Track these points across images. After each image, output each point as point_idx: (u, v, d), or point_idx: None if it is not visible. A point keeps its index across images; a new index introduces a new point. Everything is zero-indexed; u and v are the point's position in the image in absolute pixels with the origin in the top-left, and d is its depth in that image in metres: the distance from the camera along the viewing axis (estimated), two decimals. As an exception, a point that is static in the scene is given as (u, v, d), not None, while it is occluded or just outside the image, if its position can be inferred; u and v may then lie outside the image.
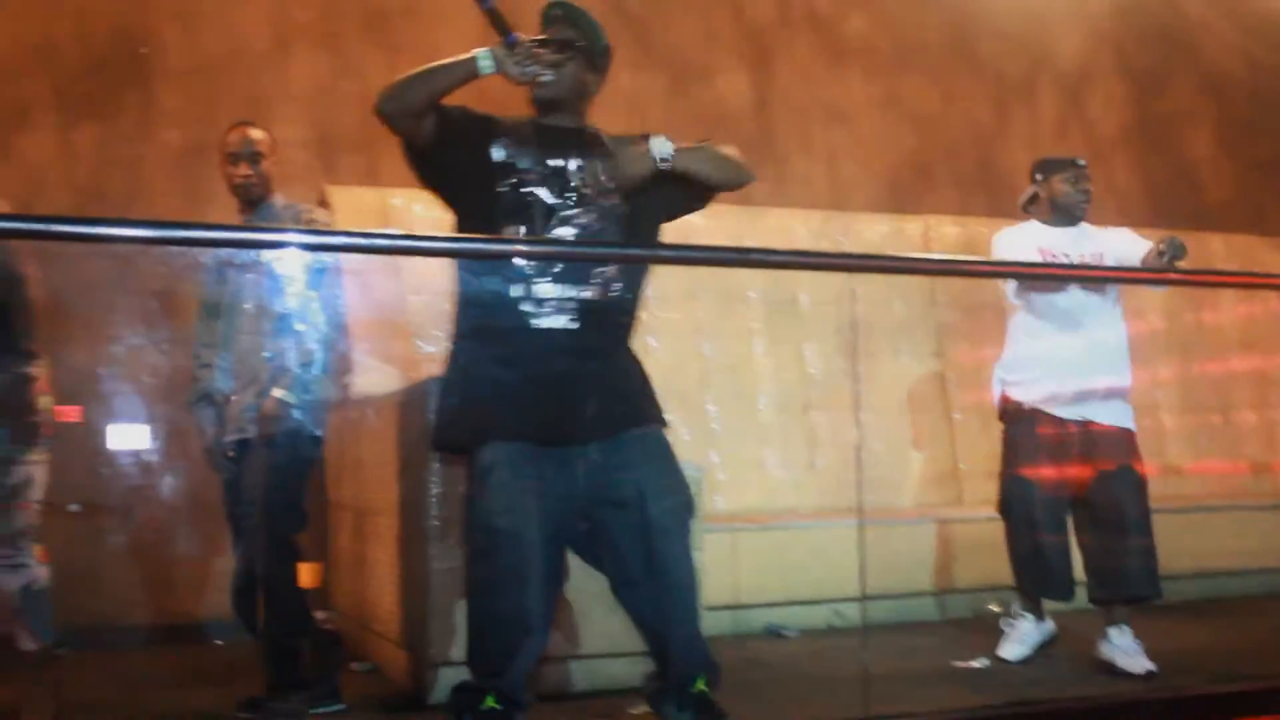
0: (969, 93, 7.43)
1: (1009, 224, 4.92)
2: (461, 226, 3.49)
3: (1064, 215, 4.75)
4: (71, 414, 3.93)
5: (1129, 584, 4.50)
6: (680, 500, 3.36)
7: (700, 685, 3.30)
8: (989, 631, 4.84)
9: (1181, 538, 5.36)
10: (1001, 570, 4.78)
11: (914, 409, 6.46)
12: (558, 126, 3.52)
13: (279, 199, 4.20)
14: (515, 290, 3.32)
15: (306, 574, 4.39)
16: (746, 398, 6.16)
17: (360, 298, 5.15)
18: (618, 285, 3.41)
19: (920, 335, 6.57)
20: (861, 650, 4.24)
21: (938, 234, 6.70)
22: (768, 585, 5.33)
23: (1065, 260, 4.67)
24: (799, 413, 6.21)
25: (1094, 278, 4.67)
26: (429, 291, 5.67)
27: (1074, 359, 4.62)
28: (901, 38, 7.31)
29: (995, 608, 5.34)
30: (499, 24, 3.25)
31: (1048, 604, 4.73)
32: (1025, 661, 4.64)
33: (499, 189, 3.40)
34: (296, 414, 4.05)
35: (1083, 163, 4.80)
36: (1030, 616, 4.71)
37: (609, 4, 6.60)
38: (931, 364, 6.54)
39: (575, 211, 3.40)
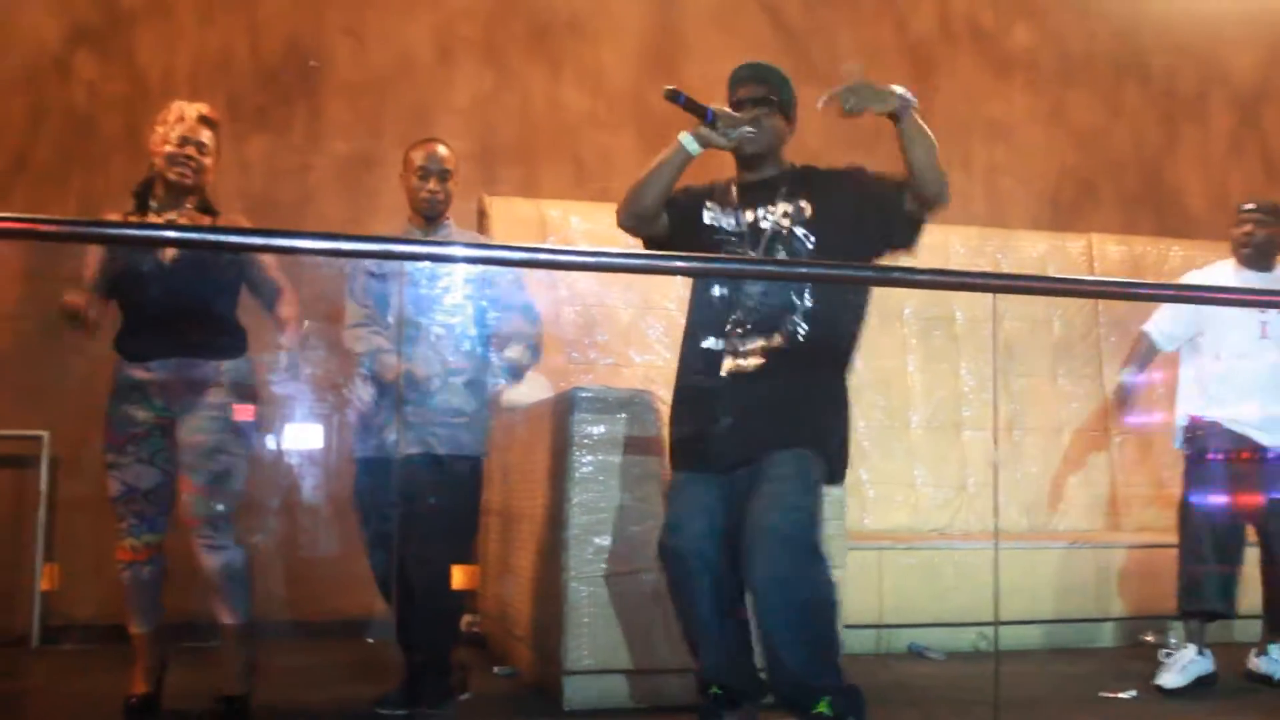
0: (1137, 108, 7.25)
1: (1176, 244, 4.97)
2: (693, 288, 3.71)
3: (1240, 257, 4.85)
4: (247, 413, 4.06)
5: None
6: (779, 521, 3.33)
7: (822, 707, 3.31)
8: (1142, 662, 4.72)
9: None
10: (1157, 599, 4.68)
11: (1072, 432, 6.32)
12: (758, 180, 3.69)
13: (452, 222, 4.35)
14: (711, 338, 3.56)
15: (462, 577, 4.50)
16: (898, 415, 6.11)
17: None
18: (808, 329, 3.51)
19: (1081, 356, 6.43)
20: (995, 674, 4.15)
21: (1101, 253, 6.55)
22: (913, 605, 5.28)
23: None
24: (952, 432, 6.13)
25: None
26: (581, 304, 5.76)
27: (1262, 383, 4.67)
28: (1067, 51, 7.17)
29: (1150, 637, 5.22)
30: (695, 108, 3.46)
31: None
32: (1179, 691, 4.50)
33: (708, 250, 3.62)
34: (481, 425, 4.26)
35: (1247, 207, 4.86)
36: (1192, 646, 4.59)
37: (771, 20, 6.64)
38: (1092, 386, 6.39)
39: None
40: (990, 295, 5.77)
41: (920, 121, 3.45)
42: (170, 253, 3.95)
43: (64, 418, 5.42)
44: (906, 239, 3.59)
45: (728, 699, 3.55)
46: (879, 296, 6.05)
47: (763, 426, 3.46)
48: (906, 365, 6.18)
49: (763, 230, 3.61)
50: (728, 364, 3.52)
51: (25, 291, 5.61)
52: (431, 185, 4.20)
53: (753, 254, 3.57)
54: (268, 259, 4.08)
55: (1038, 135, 7.05)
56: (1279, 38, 7.56)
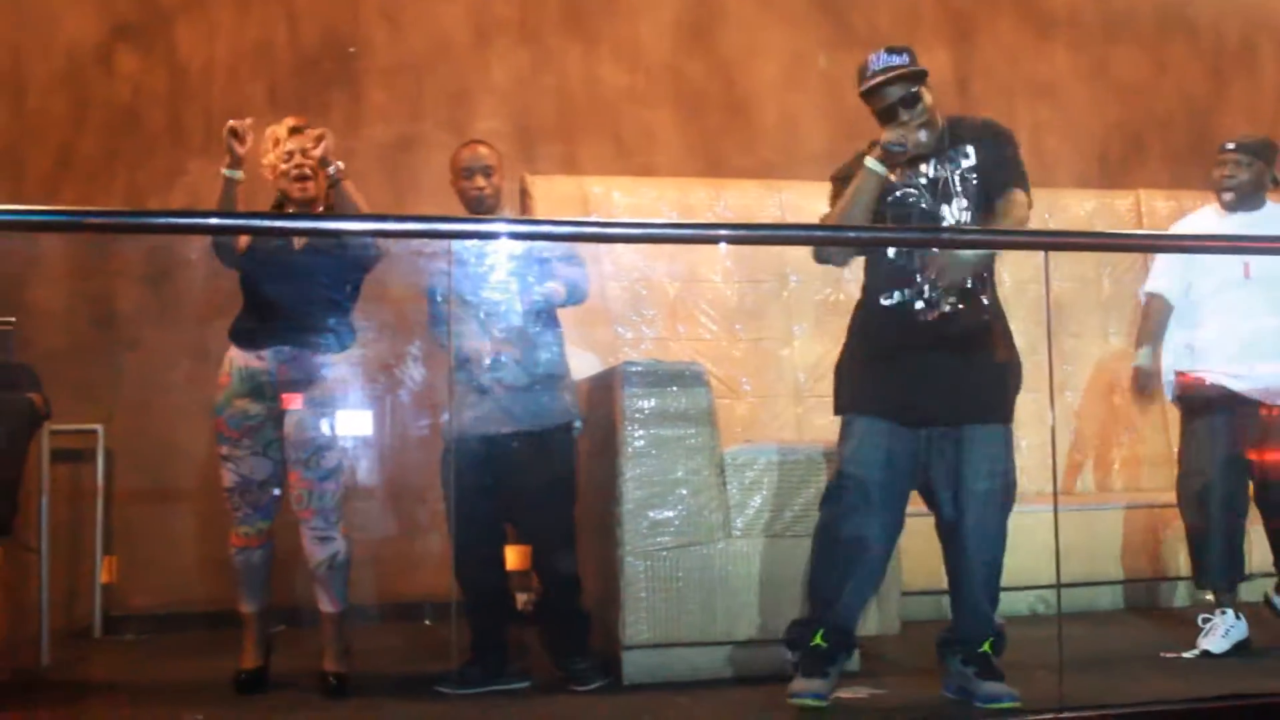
0: (1182, 61, 7.14)
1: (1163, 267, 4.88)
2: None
3: (1221, 200, 4.73)
4: (295, 400, 4.14)
5: None
6: (996, 487, 3.79)
7: (987, 647, 3.80)
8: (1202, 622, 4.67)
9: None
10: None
11: (1125, 391, 6.24)
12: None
13: (507, 211, 4.51)
14: (897, 293, 3.82)
15: (518, 555, 4.54)
16: (949, 380, 6.05)
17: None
18: (988, 283, 3.85)
19: (1132, 315, 6.34)
20: (1055, 637, 4.14)
21: (1149, 209, 6.46)
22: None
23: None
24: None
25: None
26: (626, 279, 5.75)
27: (1246, 327, 4.55)
28: (1110, 6, 7.07)
29: (1210, 596, 5.16)
30: (890, 153, 3.73)
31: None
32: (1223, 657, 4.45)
33: (882, 213, 3.83)
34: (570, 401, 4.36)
35: (1227, 146, 4.74)
36: (1230, 611, 4.53)
37: (808, -15, 6.59)
38: (1144, 344, 6.30)
39: (945, 209, 3.83)
40: (1040, 255, 5.70)
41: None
42: (300, 242, 4.17)
43: (117, 411, 5.48)
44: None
45: (831, 653, 3.76)
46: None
47: (964, 394, 3.76)
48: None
49: (936, 179, 3.84)
50: (923, 313, 3.77)
51: (77, 287, 5.66)
52: (477, 183, 4.33)
53: (933, 203, 3.82)
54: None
55: (1082, 93, 6.96)
56: (1325, -16, 7.44)
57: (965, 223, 3.80)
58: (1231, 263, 4.60)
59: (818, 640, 3.75)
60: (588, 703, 4.04)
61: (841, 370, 3.97)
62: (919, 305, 3.78)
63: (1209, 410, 4.56)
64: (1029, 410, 5.98)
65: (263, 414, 4.14)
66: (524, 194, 5.72)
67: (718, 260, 5.83)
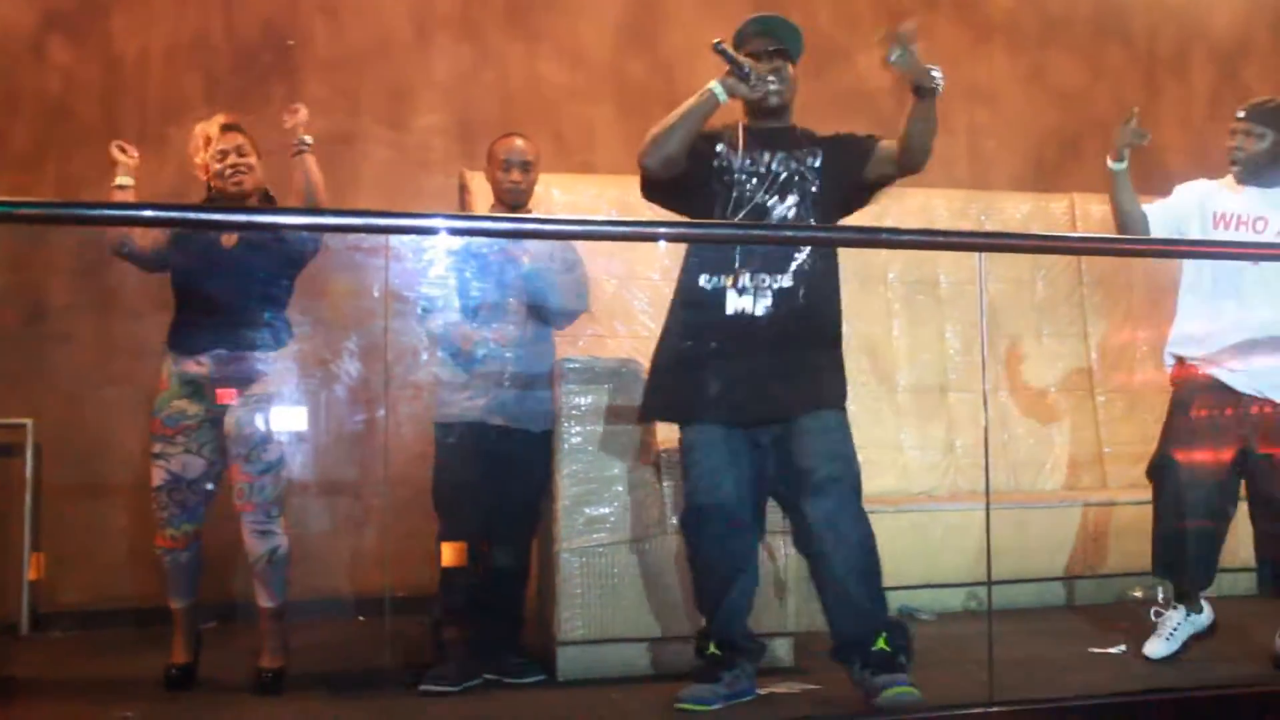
0: (1118, 67, 7.24)
1: (1160, 200, 4.67)
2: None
3: (1235, 171, 4.39)
4: (229, 396, 4.12)
5: None
6: (840, 471, 3.66)
7: (881, 644, 3.63)
8: (1130, 618, 4.74)
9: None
10: (1145, 555, 4.61)
11: (1058, 390, 6.33)
12: (772, 128, 3.87)
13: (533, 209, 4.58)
14: (715, 278, 3.71)
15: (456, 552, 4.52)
16: (885, 379, 6.11)
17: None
18: (811, 274, 3.73)
19: (1065, 315, 6.43)
20: (986, 634, 4.17)
21: (1083, 212, 6.54)
22: (904, 567, 5.27)
23: (1231, 220, 4.34)
24: (938, 394, 6.13)
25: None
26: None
27: (1251, 329, 4.28)
28: (1047, 12, 7.16)
29: (1139, 593, 5.23)
30: (732, 60, 3.64)
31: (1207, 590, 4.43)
32: (1173, 658, 4.34)
33: (715, 189, 3.78)
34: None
35: (1239, 114, 4.38)
36: (1181, 608, 4.36)
37: (747, -16, 6.61)
38: (1077, 344, 6.40)
39: (775, 202, 3.76)
40: (975, 257, 5.76)
41: (933, 105, 3.64)
42: (230, 240, 4.15)
43: (47, 406, 5.41)
44: (868, 198, 3.95)
45: (726, 659, 3.76)
46: (864, 260, 6.10)
47: (793, 386, 3.67)
48: (891, 329, 6.18)
49: (777, 174, 3.78)
50: (733, 302, 3.67)
51: (7, 280, 5.58)
52: (514, 176, 4.40)
53: (765, 196, 3.75)
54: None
55: (1019, 97, 7.04)
56: (1257, -7, 7.56)
57: (789, 219, 3.76)
58: (1238, 237, 4.32)
59: (711, 649, 3.79)
60: (523, 698, 4.04)
61: (659, 366, 3.87)
62: (740, 294, 3.68)
63: (1201, 402, 4.32)
64: (964, 410, 6.10)
65: (201, 414, 4.12)
66: (463, 190, 5.70)
67: (656, 258, 5.83)
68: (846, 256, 6.02)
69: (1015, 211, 6.48)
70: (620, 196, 5.85)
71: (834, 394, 3.76)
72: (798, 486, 3.67)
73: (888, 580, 5.23)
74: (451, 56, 6.24)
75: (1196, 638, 4.40)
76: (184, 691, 4.11)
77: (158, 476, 4.13)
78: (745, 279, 3.67)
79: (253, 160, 4.23)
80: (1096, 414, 6.27)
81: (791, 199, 3.77)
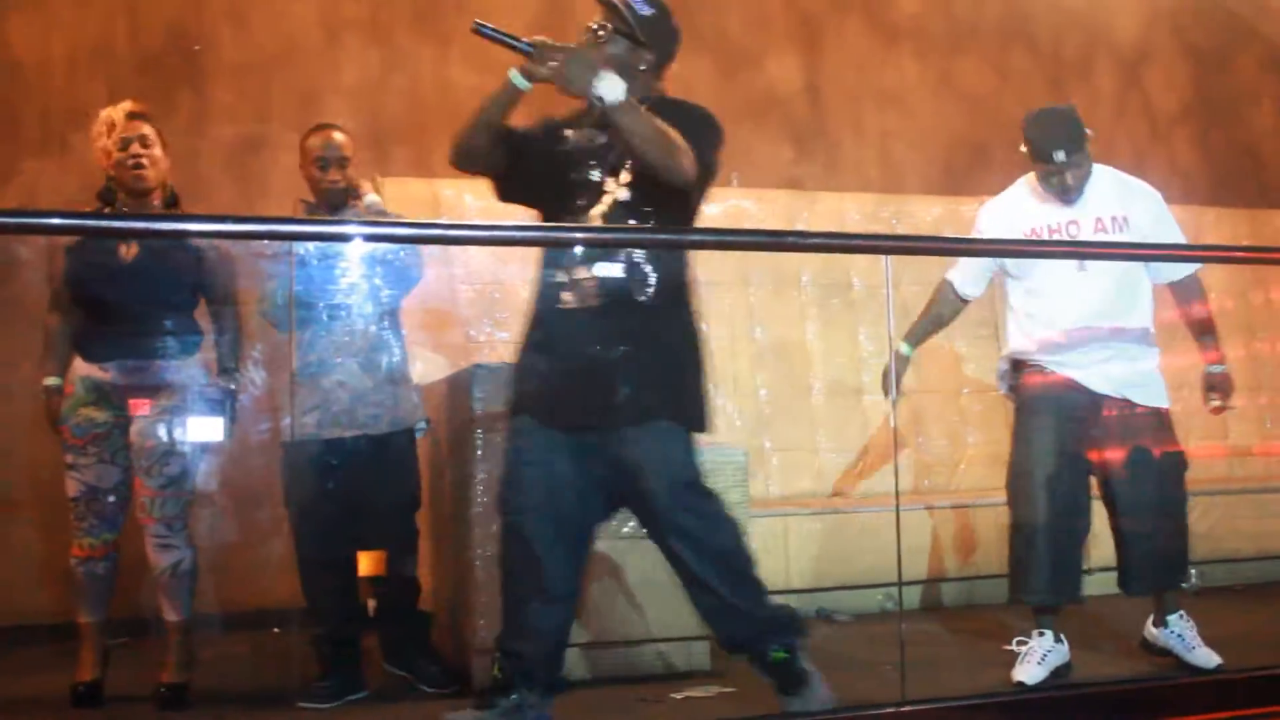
0: (1024, 72, 7.35)
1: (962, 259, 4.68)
2: (544, 218, 3.57)
3: (1069, 200, 4.32)
4: (142, 407, 4.05)
5: (1163, 574, 4.23)
6: (677, 480, 3.34)
7: (778, 655, 3.36)
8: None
9: (1244, 520, 5.29)
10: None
11: (970, 392, 6.40)
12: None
13: (370, 197, 4.35)
14: (552, 272, 3.42)
15: (373, 563, 4.47)
16: (799, 382, 6.14)
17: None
18: (645, 266, 3.36)
19: (977, 319, 6.49)
20: (901, 634, 4.20)
21: (993, 215, 6.61)
22: (820, 569, 5.32)
23: (1044, 231, 4.31)
24: (852, 397, 6.18)
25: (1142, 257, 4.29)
26: (479, 281, 5.72)
27: (1085, 321, 4.22)
28: (955, 18, 7.25)
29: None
30: (506, 42, 3.33)
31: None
32: (1040, 685, 4.09)
33: (558, 176, 3.49)
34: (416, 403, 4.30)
35: (1059, 158, 4.23)
36: (1048, 634, 4.17)
37: (658, -11, 6.61)
38: (989, 347, 6.47)
39: (614, 187, 3.43)
40: (887, 260, 5.81)
41: (628, 114, 3.23)
42: (130, 251, 4.04)
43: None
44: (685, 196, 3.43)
45: (502, 684, 3.41)
46: (777, 263, 6.13)
47: (621, 393, 3.31)
48: (805, 332, 6.21)
49: (612, 149, 3.43)
50: (566, 298, 3.38)
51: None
52: (332, 175, 4.19)
53: (600, 175, 3.44)
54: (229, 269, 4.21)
55: (928, 102, 7.12)
56: (1158, 0, 7.70)
57: (620, 200, 3.38)
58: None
59: (495, 669, 3.45)
60: (436, 708, 4.00)
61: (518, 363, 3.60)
62: (566, 288, 3.38)
63: (1047, 405, 4.22)
64: (880, 411, 6.14)
65: (110, 421, 4.05)
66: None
67: (571, 263, 5.83)
68: (760, 259, 6.10)
69: (926, 215, 6.55)
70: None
71: (670, 406, 3.37)
72: (636, 503, 3.40)
73: (804, 583, 5.32)
74: (361, 61, 6.19)
75: (1055, 673, 4.16)
76: (91, 709, 4.02)
77: (73, 487, 4.06)
78: (573, 273, 3.35)
79: (158, 152, 4.14)
80: (1008, 415, 6.32)
81: (624, 177, 3.40)
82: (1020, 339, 4.37)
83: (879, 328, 6.28)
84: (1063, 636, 4.22)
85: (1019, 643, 4.21)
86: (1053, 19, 7.44)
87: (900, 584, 4.99)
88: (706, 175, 3.41)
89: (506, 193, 3.60)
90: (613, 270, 3.34)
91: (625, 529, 4.15)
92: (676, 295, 3.45)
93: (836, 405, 6.14)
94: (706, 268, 5.97)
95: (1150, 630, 4.39)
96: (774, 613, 3.42)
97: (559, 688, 3.49)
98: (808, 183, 6.62)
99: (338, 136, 4.23)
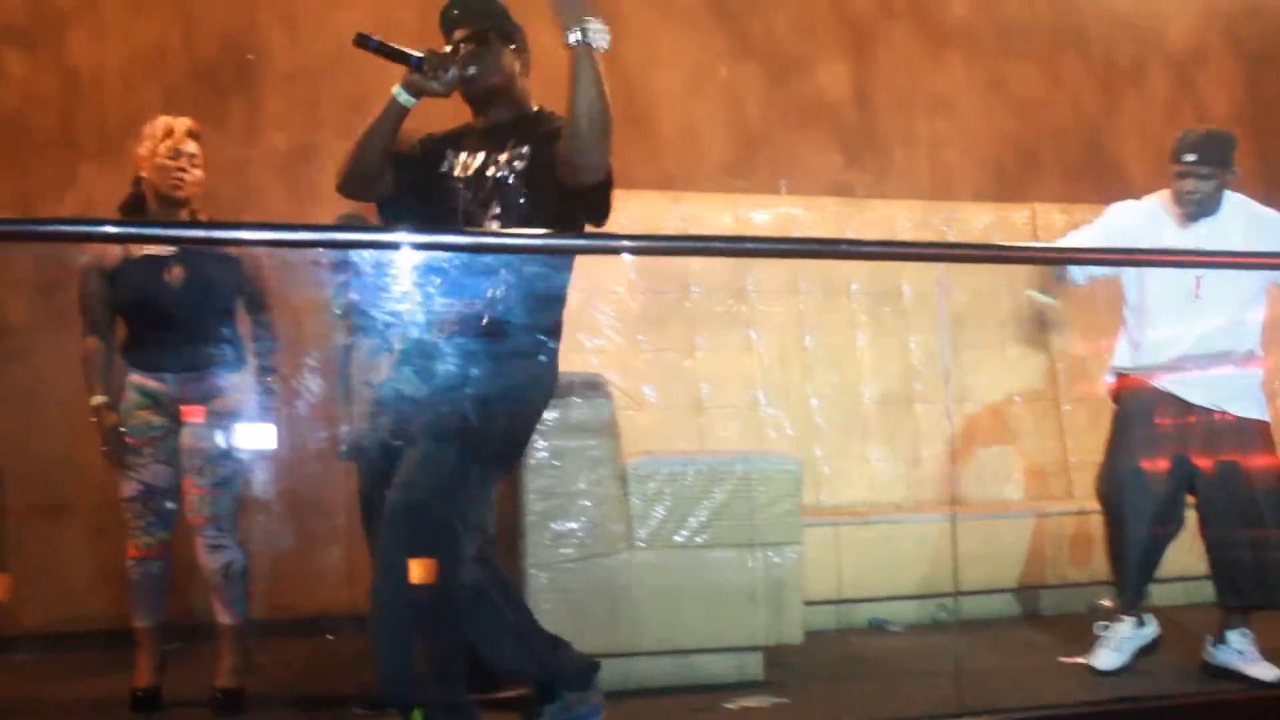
0: (1076, 77, 7.28)
1: (1090, 227, 4.73)
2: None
3: (1190, 212, 4.44)
4: (193, 413, 4.10)
5: (1265, 591, 4.24)
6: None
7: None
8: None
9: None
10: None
11: (1023, 401, 6.35)
12: (492, 124, 3.44)
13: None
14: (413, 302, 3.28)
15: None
16: (850, 391, 6.11)
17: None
18: (501, 306, 3.22)
19: (1029, 326, 6.46)
20: (955, 645, 4.19)
21: (1045, 222, 6.57)
22: (871, 579, 5.29)
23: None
24: (903, 406, 6.14)
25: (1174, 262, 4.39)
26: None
27: (1194, 341, 4.36)
28: (1005, 22, 7.18)
29: (1108, 602, 5.24)
30: (393, 54, 3.27)
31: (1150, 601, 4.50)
32: (1122, 669, 4.36)
33: (434, 203, 3.34)
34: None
35: (1188, 158, 4.37)
36: (1129, 620, 4.41)
37: (707, -2, 6.61)
38: (1041, 355, 6.43)
39: (495, 214, 3.27)
40: (938, 267, 5.78)
41: (595, 69, 3.04)
42: (175, 274, 4.10)
43: (6, 426, 5.33)
44: (588, 208, 3.24)
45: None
46: (826, 271, 6.11)
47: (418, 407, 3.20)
48: (855, 340, 6.18)
49: (486, 179, 3.31)
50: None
51: (-39, 299, 5.52)
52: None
53: (475, 206, 3.29)
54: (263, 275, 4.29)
55: (979, 107, 7.06)
56: (1212, 2, 7.62)
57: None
58: (1178, 275, 4.36)
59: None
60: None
61: None
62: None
63: (1146, 413, 4.36)
64: (932, 420, 6.11)
65: (165, 425, 4.11)
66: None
67: (620, 271, 5.83)
68: (810, 267, 6.08)
69: (977, 222, 6.51)
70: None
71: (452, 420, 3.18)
72: None
73: (856, 593, 5.29)
74: (411, 68, 6.19)
75: (1142, 651, 4.43)
76: (148, 714, 4.07)
77: (129, 488, 4.11)
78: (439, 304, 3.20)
79: (199, 174, 4.22)
80: (1061, 423, 6.29)
81: (495, 209, 3.26)
82: (1126, 357, 4.52)
83: (930, 336, 6.24)
84: (1148, 617, 4.42)
85: (1102, 626, 4.42)
86: (1104, 22, 7.37)
87: (956, 594, 4.96)
88: (605, 190, 3.21)
89: (388, 220, 3.46)
90: (477, 308, 3.21)
91: (677, 538, 4.16)
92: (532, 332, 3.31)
93: (888, 414, 6.10)
94: (756, 276, 6.01)
95: (1209, 650, 4.38)
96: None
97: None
98: (857, 189, 6.59)
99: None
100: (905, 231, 6.32)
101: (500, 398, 3.20)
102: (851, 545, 5.27)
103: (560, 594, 4.07)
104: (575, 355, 5.65)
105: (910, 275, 6.29)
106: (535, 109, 3.51)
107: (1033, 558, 5.52)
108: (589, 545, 4.12)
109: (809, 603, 4.45)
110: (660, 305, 5.90)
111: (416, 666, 3.16)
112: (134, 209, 4.17)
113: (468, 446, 3.14)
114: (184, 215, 4.18)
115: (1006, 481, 6.17)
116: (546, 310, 3.34)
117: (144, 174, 4.16)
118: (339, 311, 4.30)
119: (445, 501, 3.09)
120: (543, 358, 3.31)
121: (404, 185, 3.37)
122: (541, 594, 4.06)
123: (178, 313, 4.10)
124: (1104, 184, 6.97)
